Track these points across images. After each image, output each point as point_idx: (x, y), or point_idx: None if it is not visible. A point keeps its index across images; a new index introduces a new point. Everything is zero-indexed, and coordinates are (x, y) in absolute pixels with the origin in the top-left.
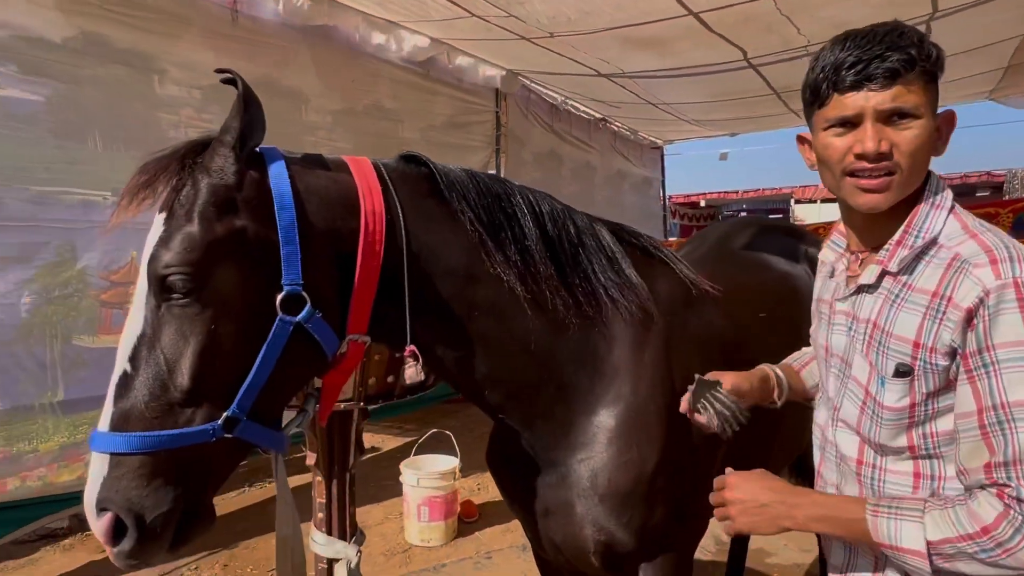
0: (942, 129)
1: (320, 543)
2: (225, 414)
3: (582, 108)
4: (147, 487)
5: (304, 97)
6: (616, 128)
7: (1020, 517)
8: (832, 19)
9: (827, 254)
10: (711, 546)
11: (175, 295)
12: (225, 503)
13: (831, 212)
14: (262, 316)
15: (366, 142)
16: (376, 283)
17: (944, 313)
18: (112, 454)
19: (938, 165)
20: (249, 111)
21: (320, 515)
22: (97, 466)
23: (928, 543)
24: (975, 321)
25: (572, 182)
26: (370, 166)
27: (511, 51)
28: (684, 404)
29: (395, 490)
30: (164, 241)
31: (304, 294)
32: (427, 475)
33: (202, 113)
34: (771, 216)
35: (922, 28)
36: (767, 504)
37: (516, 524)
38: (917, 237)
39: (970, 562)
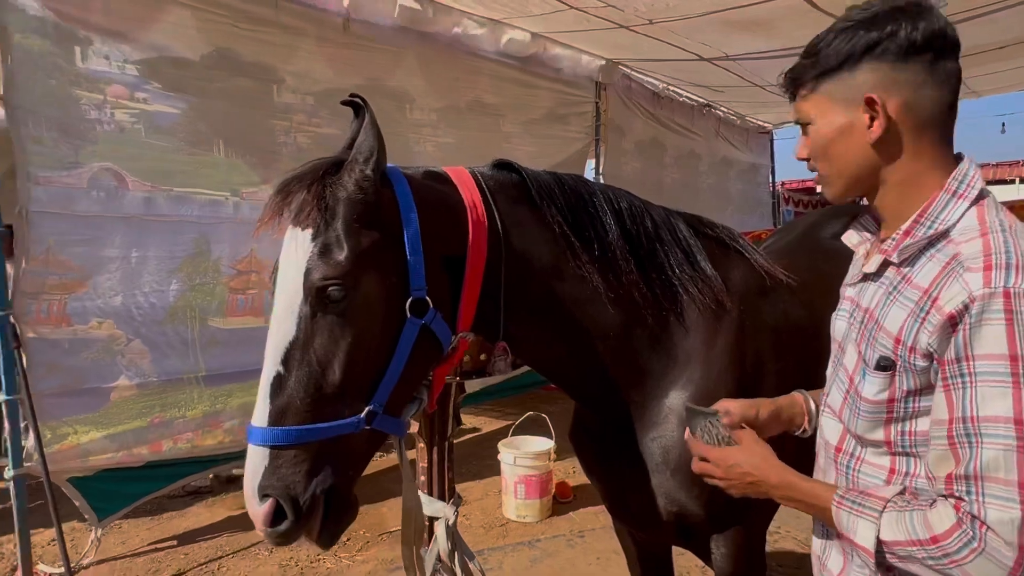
0: (867, 115)
1: (422, 503)
2: (367, 408)
3: (684, 94)
4: (303, 475)
5: (409, 97)
6: (721, 113)
7: (971, 532)
8: None
9: (851, 236)
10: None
11: (330, 304)
12: None
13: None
14: (396, 319)
15: (468, 137)
16: (480, 284)
17: (927, 314)
18: (272, 447)
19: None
20: (374, 135)
21: (422, 478)
22: (256, 458)
23: (881, 542)
24: (958, 328)
25: (675, 170)
26: (470, 177)
27: (610, 40)
28: (686, 433)
29: (494, 469)
30: (318, 256)
31: (427, 298)
32: (523, 454)
33: (312, 118)
34: None
35: None
36: (747, 472)
37: None
38: (929, 227)
39: (920, 567)
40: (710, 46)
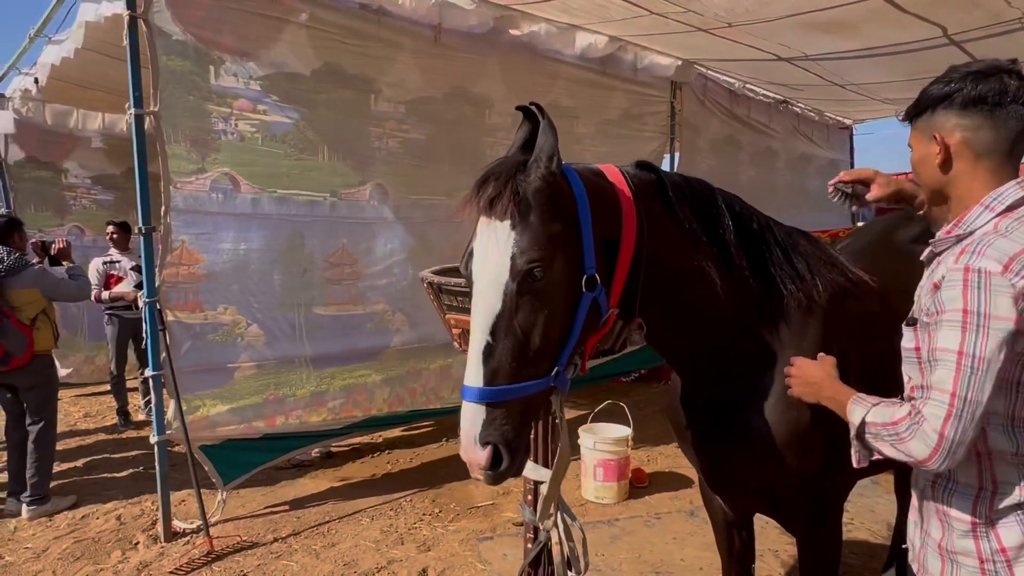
0: (938, 146)
1: (529, 468)
2: (556, 368)
3: (761, 91)
4: (512, 425)
5: (489, 102)
6: (799, 110)
7: (914, 420)
8: None
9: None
10: (883, 531)
11: (532, 282)
12: (429, 453)
13: None
14: (575, 293)
15: None
16: (629, 265)
17: (931, 284)
18: (489, 403)
19: None
20: (553, 137)
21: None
22: (474, 413)
23: (864, 422)
24: (940, 291)
25: (750, 167)
26: (620, 174)
27: (687, 42)
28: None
29: (572, 452)
30: (521, 242)
31: (596, 275)
32: (602, 439)
33: (402, 124)
34: None
35: None
36: (811, 382)
37: (683, 492)
38: (961, 229)
39: (883, 443)
40: (789, 47)
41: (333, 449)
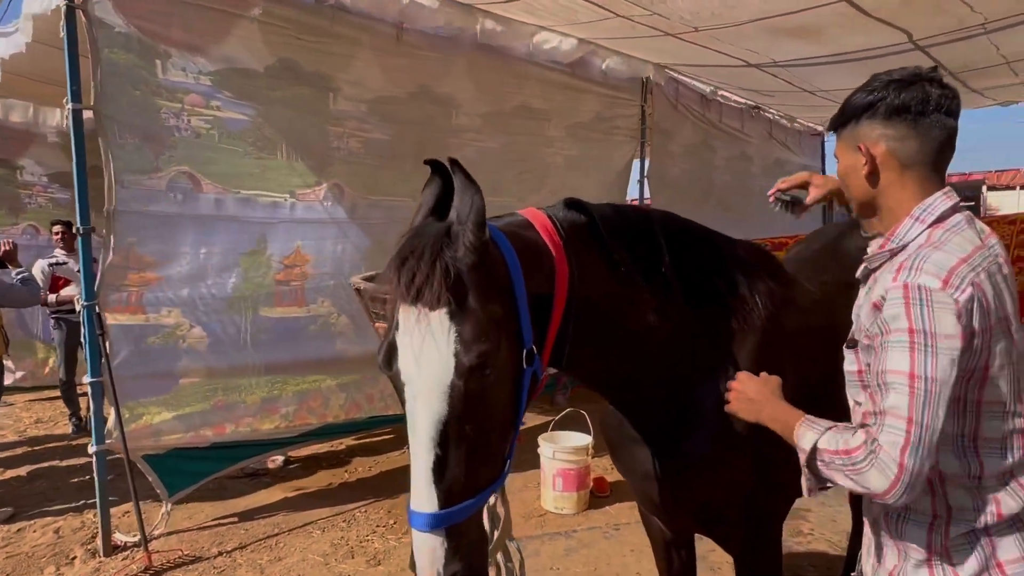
0: (863, 157)
1: None
2: (508, 461)
3: (734, 97)
4: (478, 544)
5: (456, 103)
6: (772, 116)
7: (869, 448)
8: None
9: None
10: (843, 542)
11: (481, 376)
12: (389, 461)
13: None
14: (519, 373)
15: (511, 141)
16: (560, 321)
17: (871, 304)
18: (450, 528)
19: None
20: (473, 195)
21: None
22: (432, 544)
23: (816, 448)
24: (881, 310)
25: (725, 172)
26: (547, 220)
27: (656, 46)
28: None
29: (533, 463)
30: (464, 334)
31: (534, 347)
32: (562, 448)
33: (363, 124)
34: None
35: None
36: (751, 399)
37: None
38: (894, 243)
39: (837, 473)
40: (757, 52)
41: (292, 456)
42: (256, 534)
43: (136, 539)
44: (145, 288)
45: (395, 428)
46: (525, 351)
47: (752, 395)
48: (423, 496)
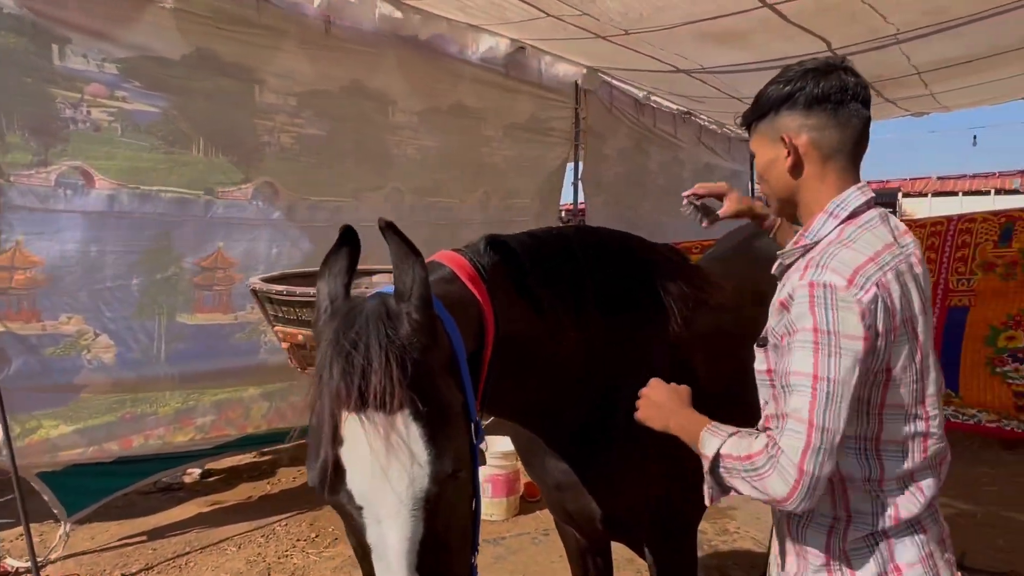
0: (785, 149)
1: None
2: (476, 553)
3: (666, 102)
4: None
5: (390, 99)
6: (702, 121)
7: (770, 453)
8: (920, 6)
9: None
10: (767, 540)
11: (454, 482)
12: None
13: (946, 206)
14: (475, 454)
15: (449, 141)
16: (486, 373)
17: (778, 302)
18: None
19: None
20: (415, 266)
21: None
22: None
23: (719, 454)
24: (788, 310)
25: (659, 176)
26: (470, 267)
27: (589, 49)
28: None
29: None
30: (434, 439)
31: (478, 419)
32: (491, 454)
33: (294, 119)
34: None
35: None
36: (660, 406)
37: None
38: (808, 238)
39: (739, 479)
40: (687, 58)
41: (210, 468)
42: (165, 553)
43: (28, 565)
44: (36, 290)
45: None
46: (473, 424)
47: (661, 402)
48: None
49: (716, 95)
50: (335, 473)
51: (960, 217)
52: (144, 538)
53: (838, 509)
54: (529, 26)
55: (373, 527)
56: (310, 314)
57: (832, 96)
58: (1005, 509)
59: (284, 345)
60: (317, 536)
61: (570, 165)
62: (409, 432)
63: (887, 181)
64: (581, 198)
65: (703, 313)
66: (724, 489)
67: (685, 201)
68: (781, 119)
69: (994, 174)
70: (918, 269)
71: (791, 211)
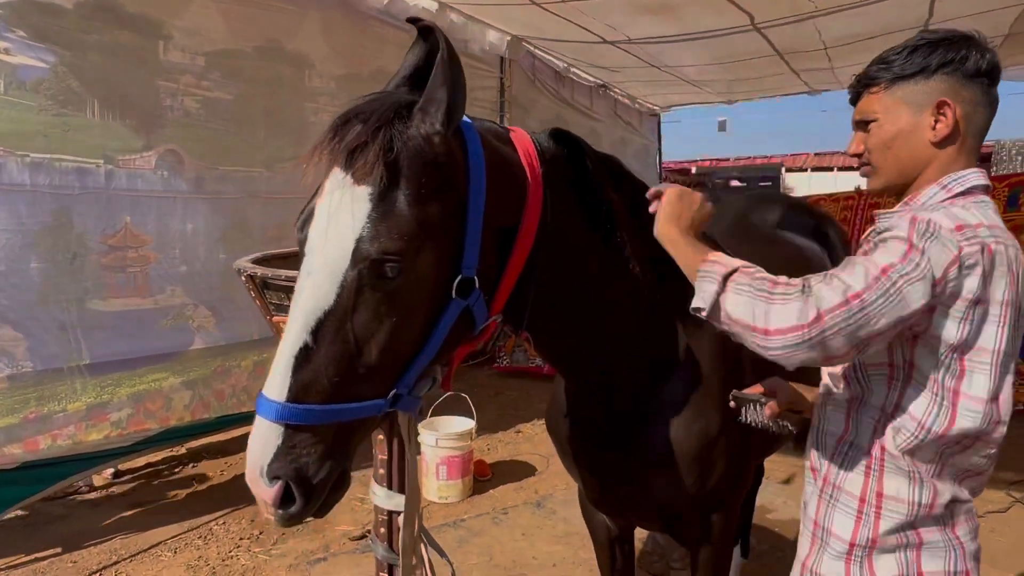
0: (933, 117)
1: (380, 496)
2: (394, 391)
3: (583, 75)
4: (317, 458)
5: (309, 62)
6: (616, 95)
7: (801, 288)
8: None
9: None
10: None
11: (381, 280)
12: (244, 463)
13: (822, 182)
14: (441, 299)
15: None
16: (524, 263)
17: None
18: (290, 425)
19: None
20: (454, 77)
21: (381, 471)
22: (268, 434)
23: (738, 268)
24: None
25: None
26: (531, 142)
27: (519, 16)
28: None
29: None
30: (379, 222)
31: (475, 277)
32: (445, 436)
33: (202, 80)
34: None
35: None
36: (670, 215)
37: (528, 482)
38: (911, 207)
39: (743, 294)
40: (615, 28)
41: (124, 468)
42: (88, 566)
43: None
44: None
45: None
46: (461, 278)
47: (672, 211)
48: (276, 383)
49: (636, 64)
50: (307, 216)
51: None
52: (59, 550)
53: (869, 491)
54: None
55: (301, 277)
56: None
57: (991, 73)
58: None
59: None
60: (261, 533)
61: None
62: (361, 206)
63: (771, 156)
64: None
65: None
66: (714, 307)
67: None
68: (936, 83)
69: (836, 152)
70: (1019, 268)
71: (902, 189)
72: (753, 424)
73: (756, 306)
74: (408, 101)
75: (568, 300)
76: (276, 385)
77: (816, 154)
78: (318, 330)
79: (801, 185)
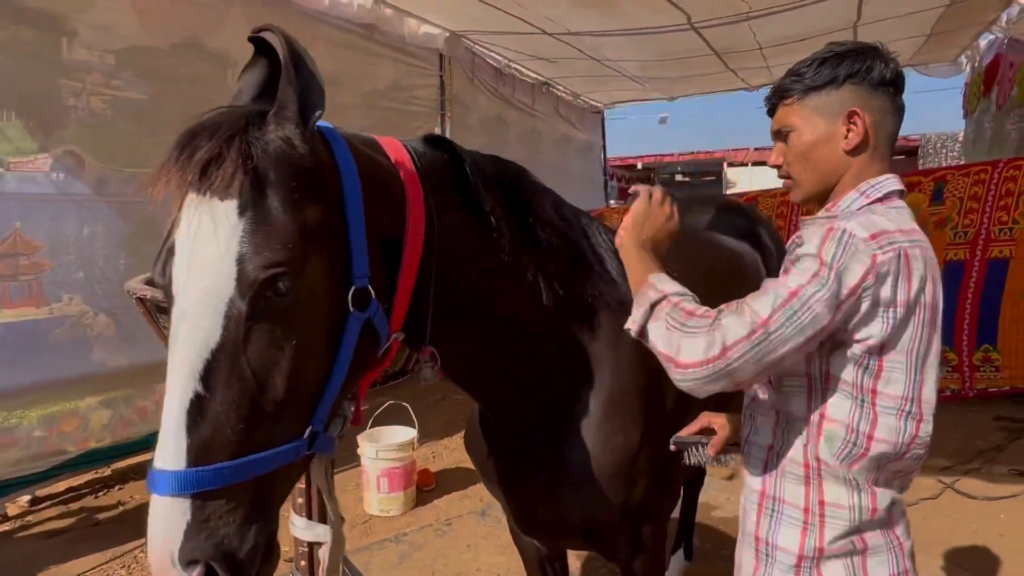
0: (844, 127)
1: (300, 527)
2: (310, 428)
3: (525, 72)
4: (238, 526)
5: (232, 60)
6: (559, 92)
7: (711, 321)
8: None
9: None
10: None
11: (273, 298)
12: None
13: (763, 176)
14: (339, 314)
15: None
16: (416, 274)
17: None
18: (196, 495)
19: None
20: (301, 77)
21: (300, 500)
22: (171, 512)
23: (667, 296)
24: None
25: (519, 147)
26: (404, 150)
27: (456, 9)
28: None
29: (350, 461)
30: (255, 235)
31: (369, 287)
32: (386, 447)
33: (111, 80)
34: (704, 179)
35: None
36: (629, 225)
37: (473, 490)
38: (832, 213)
39: (663, 325)
40: (553, 20)
41: (41, 495)
42: None
43: None
44: None
45: None
46: (355, 288)
47: (630, 223)
48: (169, 449)
49: (577, 56)
50: (167, 254)
51: (1006, 163)
52: None
53: (811, 500)
54: None
55: (175, 324)
56: None
57: (896, 81)
58: None
59: None
60: None
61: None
62: (228, 222)
63: (712, 151)
64: None
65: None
66: (640, 332)
67: (673, 448)
68: (845, 93)
69: (747, 149)
70: (938, 273)
71: (823, 196)
72: (699, 464)
73: (671, 337)
74: (259, 111)
75: (467, 311)
76: (170, 451)
77: (756, 149)
78: (208, 374)
79: (742, 179)
